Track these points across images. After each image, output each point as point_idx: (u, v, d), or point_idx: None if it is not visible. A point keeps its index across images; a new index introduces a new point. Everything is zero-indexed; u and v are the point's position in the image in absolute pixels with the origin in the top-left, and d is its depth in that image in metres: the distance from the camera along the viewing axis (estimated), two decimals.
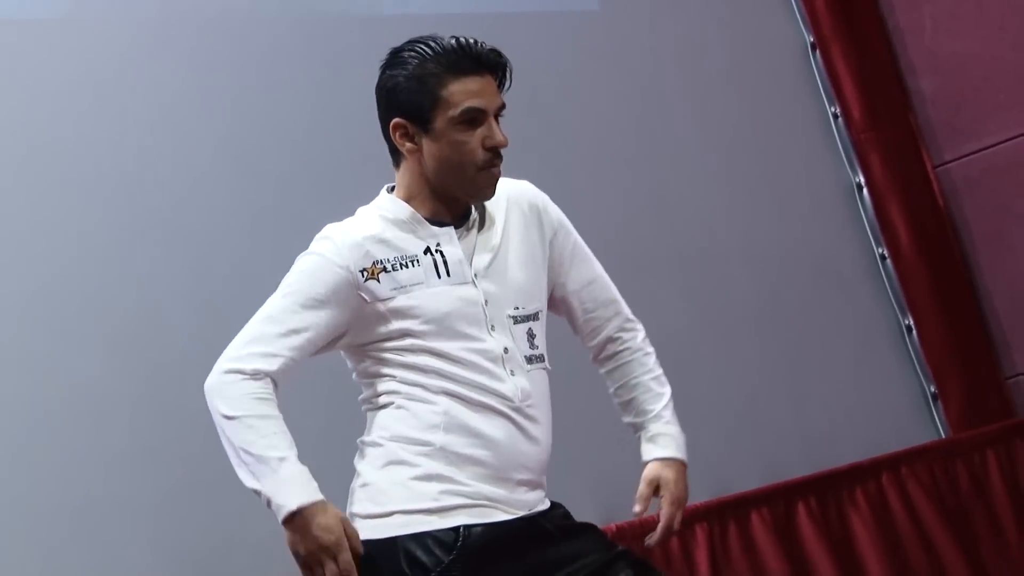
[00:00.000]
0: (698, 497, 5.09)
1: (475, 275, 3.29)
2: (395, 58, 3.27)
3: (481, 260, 3.31)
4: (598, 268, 3.52)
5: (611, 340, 3.53)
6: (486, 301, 3.29)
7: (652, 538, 3.51)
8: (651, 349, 3.58)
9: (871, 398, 5.92)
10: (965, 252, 6.22)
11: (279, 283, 3.25)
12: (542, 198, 3.46)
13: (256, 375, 3.16)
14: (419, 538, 3.16)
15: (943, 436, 5.98)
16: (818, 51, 6.21)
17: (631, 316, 3.57)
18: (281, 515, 3.07)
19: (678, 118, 5.86)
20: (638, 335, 3.56)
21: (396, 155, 3.31)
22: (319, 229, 3.32)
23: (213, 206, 4.83)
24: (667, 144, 5.78)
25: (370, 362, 3.28)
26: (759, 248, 5.80)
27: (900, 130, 6.20)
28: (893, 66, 6.30)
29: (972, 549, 5.72)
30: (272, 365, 3.18)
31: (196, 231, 4.76)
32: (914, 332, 6.08)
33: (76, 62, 4.75)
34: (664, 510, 3.47)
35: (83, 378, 4.51)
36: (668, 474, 3.48)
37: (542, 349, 3.35)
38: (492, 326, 3.28)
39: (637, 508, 3.46)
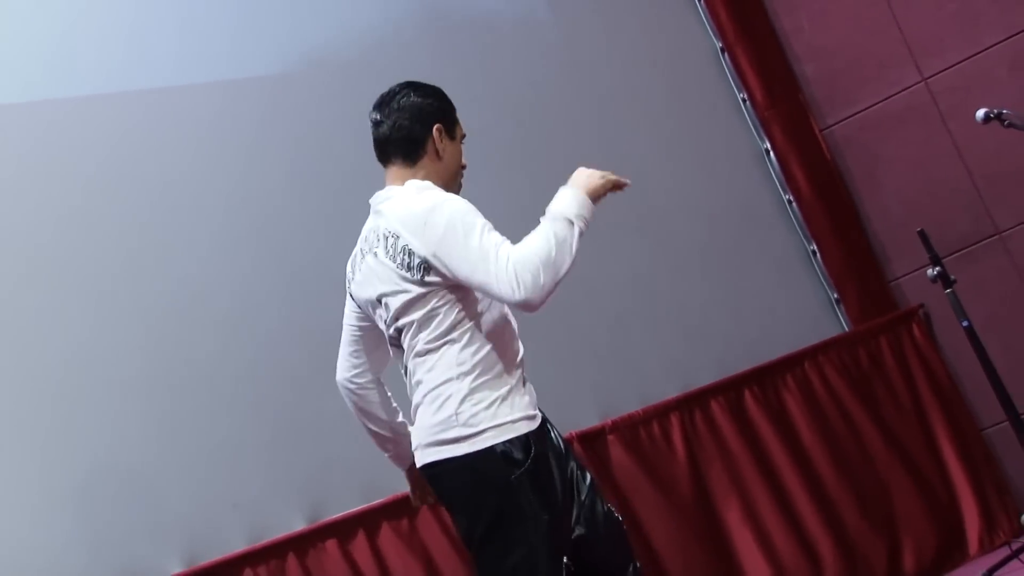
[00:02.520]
0: (669, 393, 5.27)
1: None
2: (427, 88, 3.38)
3: None
4: None
5: None
6: None
7: None
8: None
9: (791, 306, 6.00)
10: (849, 191, 6.26)
11: None
12: None
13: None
14: (517, 441, 3.12)
15: (846, 330, 6.06)
16: (726, 53, 6.25)
17: None
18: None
19: (627, 111, 5.88)
20: None
21: (416, 155, 3.33)
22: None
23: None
24: (620, 132, 5.79)
25: (441, 302, 3.17)
26: (696, 202, 5.87)
27: (793, 105, 6.24)
28: (783, 58, 6.32)
29: (875, 411, 5.79)
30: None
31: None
32: (817, 255, 6.15)
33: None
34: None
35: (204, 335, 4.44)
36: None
37: None
38: None
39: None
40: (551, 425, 3.29)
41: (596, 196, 3.20)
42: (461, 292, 3.18)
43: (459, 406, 3.12)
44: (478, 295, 3.18)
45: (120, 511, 4.10)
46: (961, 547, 5.68)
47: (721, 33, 6.27)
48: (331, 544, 4.30)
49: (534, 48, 5.74)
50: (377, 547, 4.38)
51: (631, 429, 5.11)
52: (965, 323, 5.15)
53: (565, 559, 3.11)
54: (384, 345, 3.37)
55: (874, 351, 5.93)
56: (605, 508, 3.30)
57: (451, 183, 3.37)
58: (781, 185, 6.21)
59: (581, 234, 3.11)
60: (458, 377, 3.15)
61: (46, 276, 4.24)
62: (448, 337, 3.17)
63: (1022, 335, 5.85)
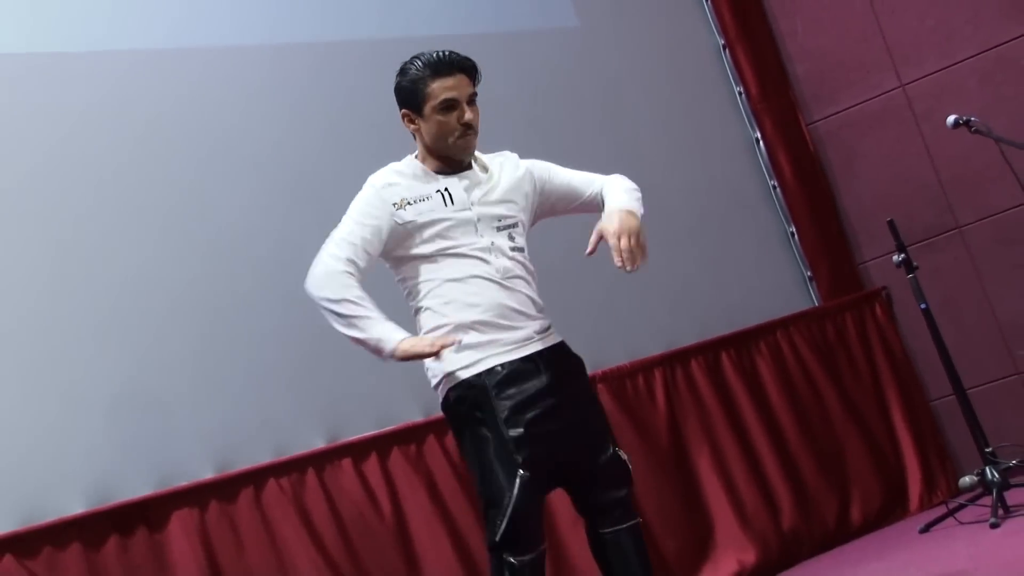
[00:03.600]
0: (655, 350, 5.27)
1: (471, 204, 3.34)
2: (401, 69, 3.38)
3: (477, 194, 3.36)
4: (570, 172, 3.52)
5: (597, 197, 3.47)
6: (478, 219, 3.33)
7: (615, 264, 3.25)
8: (618, 178, 3.49)
9: (768, 280, 5.97)
10: (828, 181, 6.22)
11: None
12: (517, 157, 3.50)
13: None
14: (463, 385, 3.25)
15: (816, 305, 6.03)
16: (727, 50, 6.20)
17: (602, 177, 3.50)
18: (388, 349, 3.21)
19: (634, 98, 5.85)
20: (607, 179, 3.49)
21: (412, 134, 3.41)
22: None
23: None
24: (627, 116, 5.76)
25: (406, 274, 3.35)
26: (691, 182, 5.83)
27: (783, 101, 6.20)
28: (778, 57, 6.28)
29: (837, 380, 5.77)
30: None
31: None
32: (795, 236, 6.10)
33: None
34: (612, 245, 3.25)
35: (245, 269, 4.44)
36: (603, 220, 3.32)
37: (521, 244, 3.38)
38: (482, 233, 3.32)
39: (587, 251, 3.32)
40: (539, 365, 3.29)
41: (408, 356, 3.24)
42: (406, 266, 3.36)
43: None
44: (421, 267, 3.33)
45: (163, 420, 4.13)
46: (903, 504, 5.69)
47: (724, 31, 6.23)
48: (346, 463, 4.34)
49: (555, 44, 5.70)
50: (387, 468, 4.42)
51: (618, 380, 5.15)
52: (923, 306, 5.19)
53: (521, 471, 3.18)
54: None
55: (840, 326, 5.92)
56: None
57: (444, 151, 3.36)
58: (768, 172, 6.17)
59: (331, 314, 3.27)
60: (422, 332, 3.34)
61: (113, 204, 4.25)
62: (415, 305, 3.36)
63: (973, 319, 5.85)
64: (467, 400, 3.26)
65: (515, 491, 3.17)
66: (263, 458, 4.22)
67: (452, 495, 4.49)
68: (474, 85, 3.35)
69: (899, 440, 5.83)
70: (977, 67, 5.83)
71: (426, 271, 3.33)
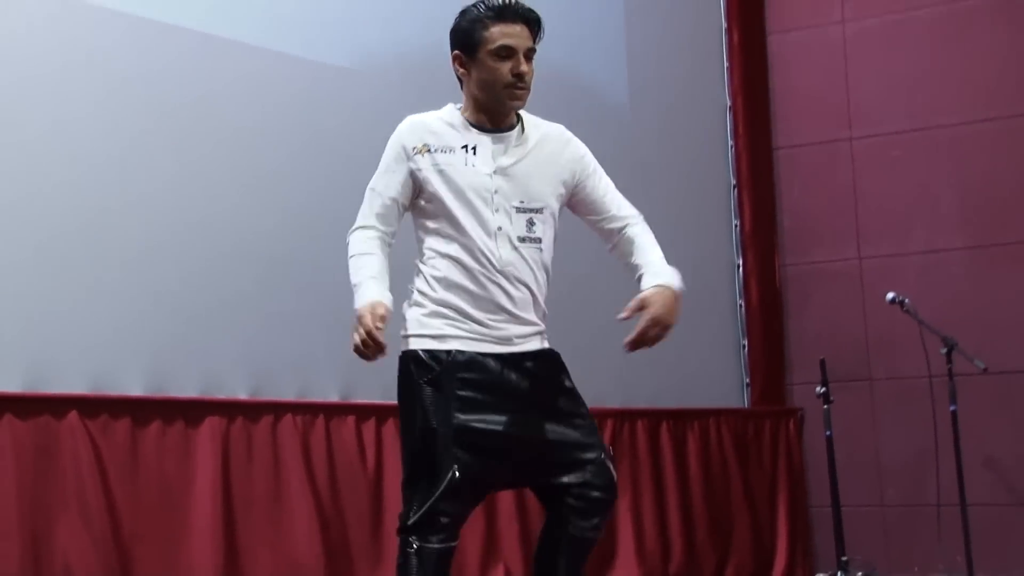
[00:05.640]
0: (611, 403, 5.10)
1: (495, 171, 2.69)
2: (462, 11, 2.75)
3: (504, 161, 2.70)
4: (608, 183, 2.83)
5: (617, 231, 2.80)
6: (496, 191, 2.68)
7: (627, 339, 2.65)
8: (646, 230, 2.82)
9: (716, 377, 5.91)
10: (783, 314, 6.09)
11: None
12: (569, 135, 2.83)
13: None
14: (425, 353, 2.64)
15: (746, 406, 6.01)
16: (736, 189, 6.11)
17: (632, 213, 2.83)
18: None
19: (654, 148, 5.63)
20: (636, 223, 2.82)
21: (459, 79, 2.76)
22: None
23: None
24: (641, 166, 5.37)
25: (418, 230, 2.76)
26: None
27: (768, 241, 6.04)
28: (773, 204, 6.14)
29: (745, 469, 5.72)
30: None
31: None
32: (746, 349, 6.03)
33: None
34: (640, 322, 2.65)
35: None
36: (654, 296, 2.66)
37: (539, 235, 2.70)
38: (496, 209, 2.67)
39: (621, 315, 2.68)
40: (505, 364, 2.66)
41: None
42: (416, 221, 2.77)
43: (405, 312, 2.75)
44: (434, 226, 2.71)
45: (216, 342, 3.99)
46: None
47: (738, 174, 6.11)
48: (350, 419, 4.27)
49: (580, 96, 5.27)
50: (380, 432, 4.35)
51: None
52: (828, 433, 5.24)
53: (456, 467, 2.57)
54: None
55: (759, 428, 5.92)
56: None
57: (490, 102, 2.71)
58: (739, 292, 6.12)
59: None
60: (414, 293, 2.75)
61: (179, 143, 3.94)
62: (416, 261, 2.78)
63: (860, 454, 5.85)
64: (426, 369, 2.63)
65: (442, 486, 2.56)
66: (287, 395, 4.16)
67: None
68: (534, 41, 2.71)
69: (777, 528, 5.83)
70: (921, 261, 5.85)
71: (429, 239, 2.71)
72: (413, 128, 2.74)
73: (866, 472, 5.82)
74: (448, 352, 2.64)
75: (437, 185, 2.69)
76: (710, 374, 5.88)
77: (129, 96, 3.86)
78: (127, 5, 3.90)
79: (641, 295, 2.68)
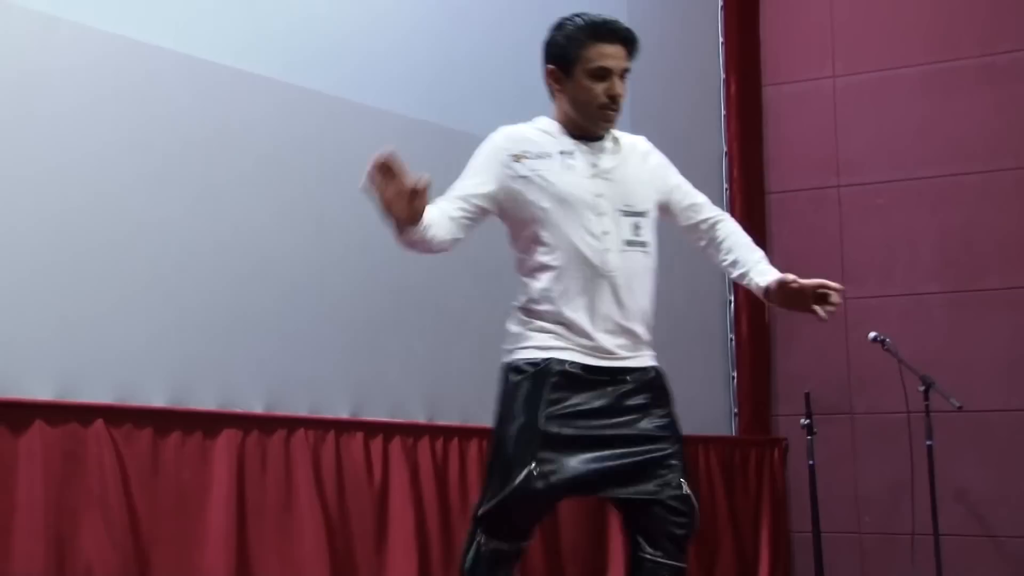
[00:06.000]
0: None
1: (595, 174, 2.60)
2: (558, 24, 2.64)
3: (606, 164, 2.62)
4: (688, 184, 2.78)
5: (711, 227, 2.74)
6: (600, 194, 2.58)
7: (818, 301, 2.59)
8: (738, 226, 2.75)
9: (706, 405, 5.85)
10: (771, 348, 6.06)
11: None
12: (651, 144, 2.76)
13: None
14: (524, 361, 2.57)
15: (734, 435, 6.01)
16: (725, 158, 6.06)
17: (720, 210, 2.79)
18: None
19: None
20: (727, 220, 2.76)
21: (550, 92, 2.66)
22: None
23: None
24: None
25: (516, 244, 2.64)
26: (677, 324, 4.93)
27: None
28: (760, 170, 6.15)
29: (731, 494, 5.61)
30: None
31: None
32: (735, 380, 6.01)
33: None
34: (813, 282, 2.60)
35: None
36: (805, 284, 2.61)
37: (645, 239, 2.61)
38: (601, 213, 2.57)
39: (790, 276, 2.61)
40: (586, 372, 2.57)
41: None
42: (513, 231, 2.63)
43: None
44: (534, 237, 2.58)
45: (236, 357, 3.96)
46: None
47: (728, 140, 6.05)
48: (359, 436, 4.22)
49: None
50: (387, 450, 4.29)
51: None
52: (811, 462, 5.28)
53: (534, 463, 2.49)
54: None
55: (745, 455, 5.91)
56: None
57: (583, 120, 2.60)
58: (730, 327, 6.13)
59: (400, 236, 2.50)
60: (517, 310, 2.65)
61: (207, 173, 3.92)
62: (519, 277, 2.65)
63: (840, 483, 5.86)
64: (522, 373, 2.55)
65: (517, 481, 2.46)
66: (300, 411, 4.11)
67: (427, 486, 4.42)
68: (629, 60, 2.61)
69: (760, 551, 5.81)
70: (902, 303, 5.89)
71: (529, 252, 2.58)
72: (508, 136, 2.63)
73: (845, 500, 5.83)
74: (547, 360, 2.54)
75: (536, 193, 2.57)
76: (701, 403, 5.80)
77: (161, 124, 3.92)
78: (169, 41, 3.97)
79: (784, 276, 2.61)
